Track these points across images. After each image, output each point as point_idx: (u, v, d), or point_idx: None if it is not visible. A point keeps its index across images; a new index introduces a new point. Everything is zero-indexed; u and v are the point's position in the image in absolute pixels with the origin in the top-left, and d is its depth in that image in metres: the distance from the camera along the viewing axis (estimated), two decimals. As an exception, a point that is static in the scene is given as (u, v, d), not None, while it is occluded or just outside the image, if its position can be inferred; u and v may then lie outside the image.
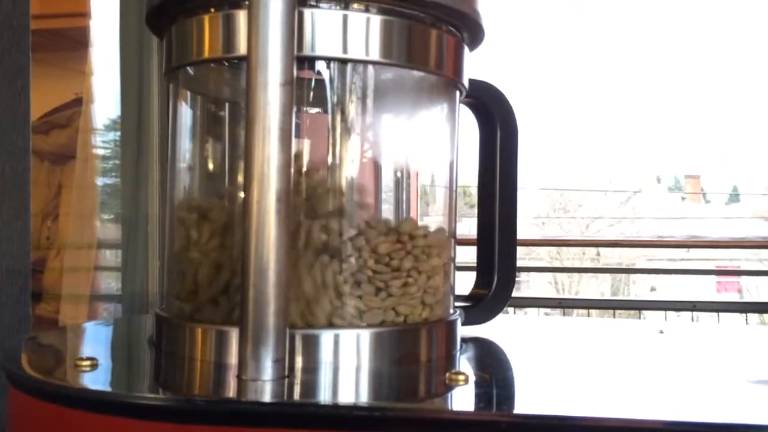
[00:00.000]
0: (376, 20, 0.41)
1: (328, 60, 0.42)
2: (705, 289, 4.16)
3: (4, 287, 0.67)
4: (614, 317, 3.37)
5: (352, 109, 0.43)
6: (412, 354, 0.43)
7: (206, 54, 0.42)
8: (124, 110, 1.21)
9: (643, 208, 9.23)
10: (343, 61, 0.41)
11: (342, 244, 0.41)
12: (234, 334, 0.39)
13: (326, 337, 0.40)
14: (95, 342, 0.53)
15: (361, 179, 0.43)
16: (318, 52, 0.40)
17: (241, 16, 0.40)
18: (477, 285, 0.57)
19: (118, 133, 1.27)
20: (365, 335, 0.41)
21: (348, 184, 0.43)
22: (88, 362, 0.39)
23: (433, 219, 0.48)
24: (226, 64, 0.45)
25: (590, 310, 3.39)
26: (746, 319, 3.19)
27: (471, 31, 0.47)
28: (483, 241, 0.57)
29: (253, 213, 0.35)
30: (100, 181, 1.40)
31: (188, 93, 0.47)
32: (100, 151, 1.40)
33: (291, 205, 0.36)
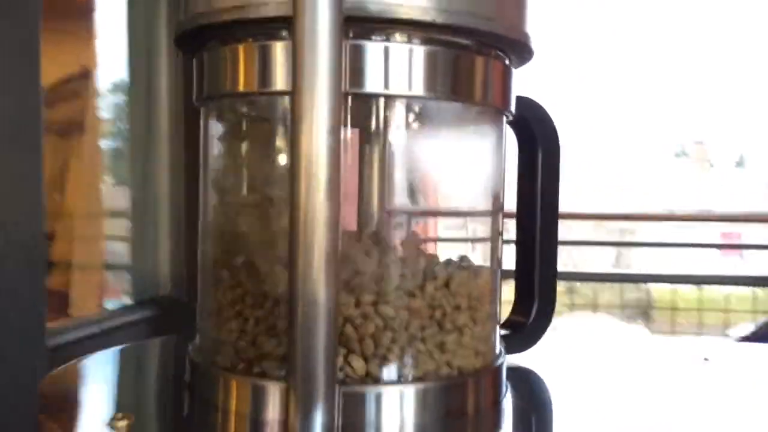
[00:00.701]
0: (419, 51, 0.38)
1: (369, 96, 0.39)
2: (708, 255, 4.13)
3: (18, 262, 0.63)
4: (620, 291, 3.37)
5: (394, 150, 0.40)
6: (460, 407, 0.40)
7: (241, 87, 0.39)
8: (133, 80, 1.18)
9: (649, 178, 9.18)
10: (384, 97, 0.39)
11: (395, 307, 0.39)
12: (272, 389, 0.37)
13: (371, 394, 0.38)
14: (124, 387, 0.50)
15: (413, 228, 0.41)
16: (358, 89, 0.37)
17: (278, 49, 0.37)
18: (515, 311, 0.54)
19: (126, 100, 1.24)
20: (412, 391, 0.38)
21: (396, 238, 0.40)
22: (124, 422, 0.36)
23: (481, 255, 0.46)
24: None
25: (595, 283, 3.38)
26: (753, 293, 3.18)
27: (519, 53, 0.44)
28: (522, 266, 0.54)
29: (299, 274, 0.33)
30: (107, 149, 1.36)
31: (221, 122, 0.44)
32: (108, 120, 1.36)
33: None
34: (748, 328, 2.55)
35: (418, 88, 0.38)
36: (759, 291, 3.13)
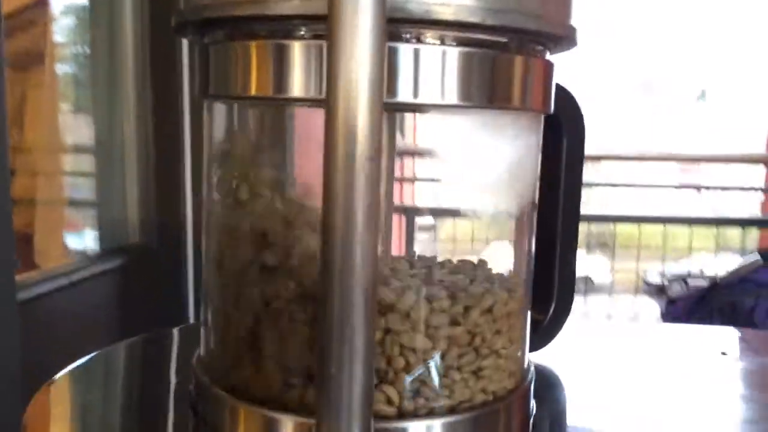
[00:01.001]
0: (453, 54, 0.33)
1: (397, 106, 0.34)
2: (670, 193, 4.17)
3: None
4: (588, 229, 3.40)
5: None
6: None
7: (253, 90, 0.34)
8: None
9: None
10: (413, 108, 0.34)
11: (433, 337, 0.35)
12: (287, 423, 0.34)
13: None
14: (127, 405, 0.46)
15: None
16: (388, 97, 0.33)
17: (296, 49, 0.32)
18: (532, 309, 0.52)
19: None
20: (446, 424, 0.36)
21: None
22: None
23: (517, 268, 0.42)
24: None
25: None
26: (717, 234, 3.25)
27: (562, 46, 0.39)
28: (541, 260, 0.51)
29: (334, 308, 0.29)
30: (66, 78, 1.28)
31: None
32: (67, 51, 1.27)
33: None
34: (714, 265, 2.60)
35: (452, 96, 0.33)
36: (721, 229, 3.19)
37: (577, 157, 0.49)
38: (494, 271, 0.39)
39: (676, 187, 3.72)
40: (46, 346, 0.97)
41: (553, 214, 0.50)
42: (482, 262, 0.40)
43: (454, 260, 0.39)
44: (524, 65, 0.36)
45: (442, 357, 0.35)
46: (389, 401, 0.34)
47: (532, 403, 0.41)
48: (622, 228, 3.24)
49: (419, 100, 0.33)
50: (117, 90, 1.27)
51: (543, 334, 0.50)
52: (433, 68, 0.33)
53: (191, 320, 1.29)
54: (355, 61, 0.27)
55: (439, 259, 0.39)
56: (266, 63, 0.33)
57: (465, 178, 0.39)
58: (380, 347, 0.34)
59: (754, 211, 3.58)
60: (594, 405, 0.44)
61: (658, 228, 3.25)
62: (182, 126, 1.31)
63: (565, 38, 0.37)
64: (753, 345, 0.57)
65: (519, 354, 0.40)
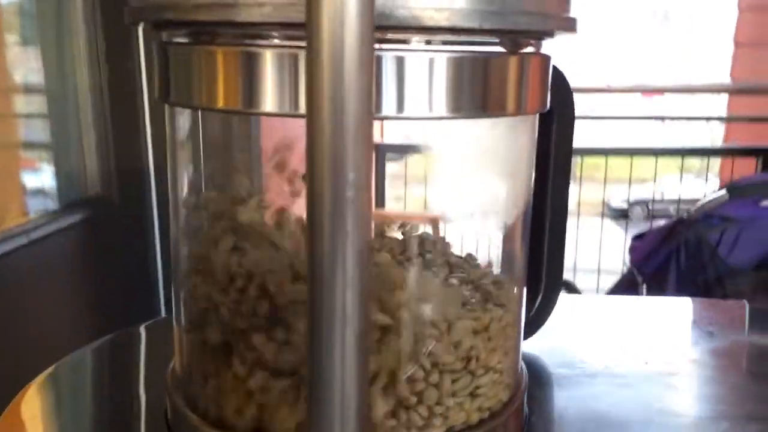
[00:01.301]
0: (441, 60, 0.30)
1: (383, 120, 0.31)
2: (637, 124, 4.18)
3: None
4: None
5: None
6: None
7: (220, 103, 0.30)
8: None
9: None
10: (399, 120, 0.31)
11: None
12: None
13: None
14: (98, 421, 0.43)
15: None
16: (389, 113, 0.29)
17: (268, 58, 0.28)
18: (519, 297, 0.50)
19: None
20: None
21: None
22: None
23: (509, 270, 0.40)
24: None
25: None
26: (682, 162, 3.28)
27: (559, 36, 0.36)
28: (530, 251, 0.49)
29: (322, 357, 0.26)
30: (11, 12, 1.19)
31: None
32: None
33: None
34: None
35: (440, 108, 0.30)
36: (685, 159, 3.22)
37: (567, 145, 0.46)
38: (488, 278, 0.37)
39: (641, 118, 3.72)
40: (8, 310, 0.94)
41: (542, 204, 0.47)
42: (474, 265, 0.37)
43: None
44: (519, 66, 0.33)
45: (436, 386, 0.33)
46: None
47: (525, 410, 0.40)
48: (589, 160, 3.25)
49: (405, 114, 0.29)
50: (66, 24, 1.19)
51: (529, 325, 0.48)
52: (420, 78, 0.29)
53: (159, 278, 1.26)
54: (339, 76, 0.23)
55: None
56: (234, 73, 0.29)
57: (455, 184, 0.36)
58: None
59: (717, 141, 3.62)
60: (584, 395, 0.43)
61: (625, 159, 3.27)
62: (138, 70, 1.24)
63: (565, 30, 0.33)
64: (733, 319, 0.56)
65: (515, 363, 0.38)
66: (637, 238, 2.16)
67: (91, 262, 1.19)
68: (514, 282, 0.38)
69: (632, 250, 2.12)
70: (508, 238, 0.39)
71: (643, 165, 3.36)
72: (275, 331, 0.32)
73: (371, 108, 0.24)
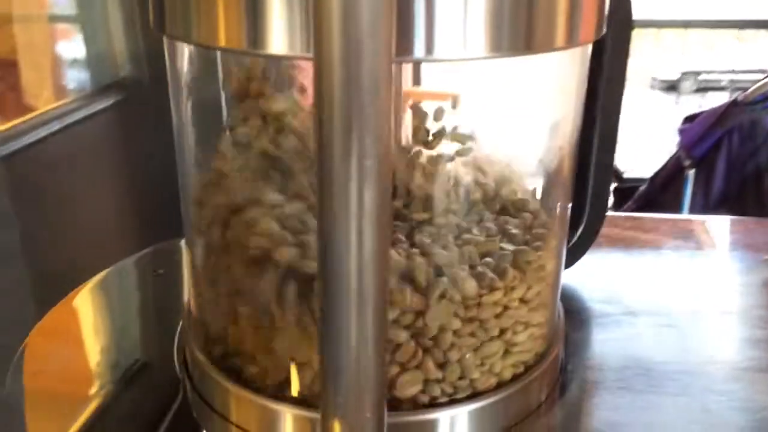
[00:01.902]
0: None
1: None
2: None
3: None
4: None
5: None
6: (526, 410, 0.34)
7: (222, 41, 0.26)
8: None
9: None
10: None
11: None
12: (286, 415, 0.30)
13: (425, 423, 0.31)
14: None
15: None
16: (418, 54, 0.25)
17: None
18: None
19: None
20: (473, 411, 0.32)
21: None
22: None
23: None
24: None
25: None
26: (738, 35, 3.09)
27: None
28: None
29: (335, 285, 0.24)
30: None
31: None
32: None
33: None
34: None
35: (478, 47, 0.26)
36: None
37: (623, 41, 0.41)
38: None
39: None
40: (43, 199, 0.95)
41: (589, 130, 0.43)
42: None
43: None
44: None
45: (472, 334, 0.31)
46: (405, 388, 0.30)
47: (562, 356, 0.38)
48: (640, 31, 3.08)
49: (435, 56, 0.25)
50: None
51: (569, 254, 0.45)
52: (452, 11, 0.25)
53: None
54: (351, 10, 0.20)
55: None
56: (237, 5, 0.25)
57: (496, 128, 0.32)
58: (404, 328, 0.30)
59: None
60: (624, 336, 0.40)
61: (677, 31, 3.09)
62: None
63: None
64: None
65: (552, 309, 0.36)
66: (687, 119, 2.06)
67: (125, 146, 1.18)
68: (556, 225, 0.35)
69: (681, 132, 2.03)
70: (551, 179, 0.35)
71: (697, 37, 3.18)
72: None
73: (390, 50, 0.21)
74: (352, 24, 0.20)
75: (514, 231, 0.33)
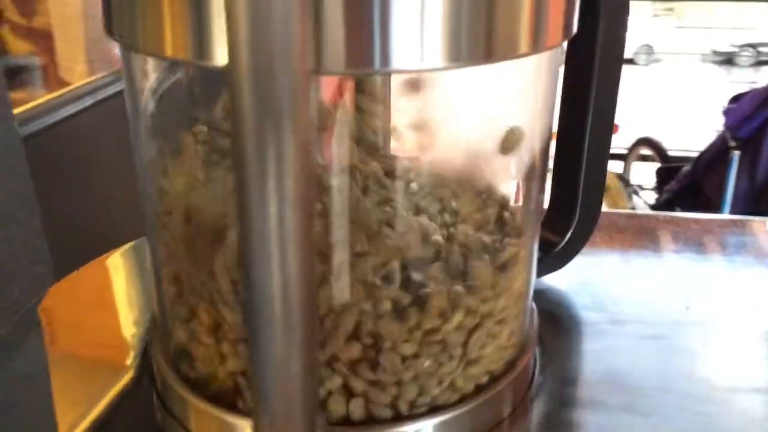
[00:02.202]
0: None
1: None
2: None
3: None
4: None
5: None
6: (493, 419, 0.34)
7: (168, 51, 0.25)
8: None
9: None
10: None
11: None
12: (245, 430, 0.30)
13: None
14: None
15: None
16: (336, 67, 0.24)
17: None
18: (549, 226, 0.45)
19: None
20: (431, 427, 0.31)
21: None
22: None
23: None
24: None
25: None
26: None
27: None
28: (564, 170, 0.44)
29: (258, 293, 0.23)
30: None
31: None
32: None
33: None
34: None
35: (434, 58, 0.24)
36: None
37: (616, 49, 0.39)
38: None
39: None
40: (70, 178, 0.96)
41: (581, 119, 0.41)
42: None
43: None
44: (536, -9, 0.26)
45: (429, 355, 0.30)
46: (349, 409, 0.30)
47: (533, 367, 0.37)
48: (694, 3, 2.97)
49: (392, 68, 0.24)
50: None
51: (558, 258, 0.44)
52: (408, 19, 0.23)
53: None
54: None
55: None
56: (182, 15, 0.24)
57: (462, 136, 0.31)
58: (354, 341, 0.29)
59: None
60: (605, 347, 0.39)
61: (735, 4, 2.97)
62: None
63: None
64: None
65: (523, 315, 0.35)
66: (734, 99, 1.99)
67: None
68: (527, 233, 0.34)
69: (727, 112, 1.97)
70: (520, 185, 0.34)
71: (755, 9, 3.05)
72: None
73: (305, 64, 0.20)
74: (262, 38, 0.19)
75: (484, 239, 0.32)
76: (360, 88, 0.30)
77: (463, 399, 0.32)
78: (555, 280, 0.45)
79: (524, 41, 0.27)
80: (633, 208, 2.71)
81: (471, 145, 0.32)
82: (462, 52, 0.25)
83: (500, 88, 0.31)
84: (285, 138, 0.20)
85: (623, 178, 2.89)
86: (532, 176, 0.34)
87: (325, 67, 0.23)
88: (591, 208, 0.44)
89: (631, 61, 7.44)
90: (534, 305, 0.38)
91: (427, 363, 0.30)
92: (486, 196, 0.33)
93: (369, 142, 0.30)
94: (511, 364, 0.34)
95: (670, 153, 2.80)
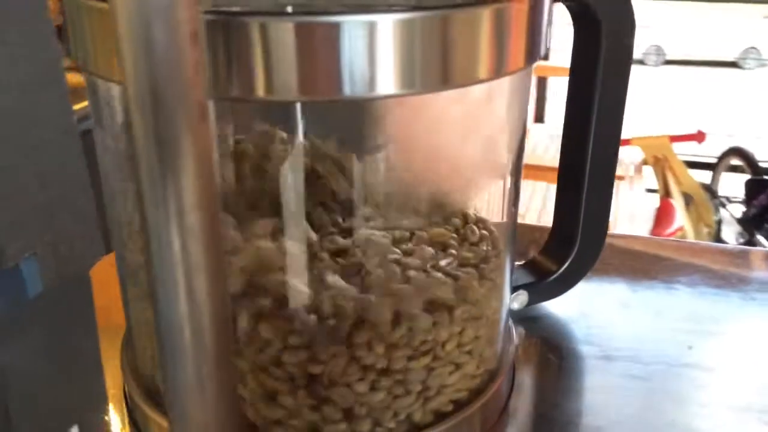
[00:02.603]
0: (386, 25, 0.23)
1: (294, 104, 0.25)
2: None
3: None
4: None
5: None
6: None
7: (116, 74, 0.25)
8: None
9: None
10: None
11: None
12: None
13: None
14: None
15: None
16: (278, 95, 0.23)
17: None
18: (548, 251, 0.43)
19: None
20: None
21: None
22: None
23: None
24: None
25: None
26: None
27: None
28: (565, 191, 0.42)
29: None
30: None
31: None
32: None
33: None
34: None
35: (387, 85, 0.24)
36: None
37: (622, 51, 0.37)
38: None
39: None
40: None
41: (583, 135, 0.39)
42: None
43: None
44: (494, 17, 0.25)
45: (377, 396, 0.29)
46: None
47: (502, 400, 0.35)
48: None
49: (343, 95, 0.23)
50: None
51: (554, 286, 0.42)
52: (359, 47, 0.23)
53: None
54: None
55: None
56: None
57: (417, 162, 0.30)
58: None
59: None
60: (585, 387, 0.37)
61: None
62: None
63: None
64: None
65: (494, 339, 0.33)
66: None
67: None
68: (501, 256, 0.32)
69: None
70: (489, 202, 0.33)
71: None
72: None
73: (202, 91, 0.19)
74: (149, 63, 0.19)
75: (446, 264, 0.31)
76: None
77: (424, 426, 0.31)
78: (554, 306, 0.43)
79: (483, 67, 0.26)
80: (719, 221, 2.59)
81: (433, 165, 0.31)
82: (416, 78, 0.24)
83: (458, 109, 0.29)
84: (181, 167, 0.20)
85: (710, 189, 2.76)
86: (501, 196, 0.33)
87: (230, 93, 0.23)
88: (593, 238, 0.42)
89: (734, 65, 7.08)
90: (513, 329, 0.36)
91: (380, 396, 0.30)
92: (447, 217, 0.32)
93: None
94: (478, 392, 0.33)
95: (763, 164, 2.65)
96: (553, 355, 0.40)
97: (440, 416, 0.32)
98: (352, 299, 0.28)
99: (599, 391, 0.37)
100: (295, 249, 0.29)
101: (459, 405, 0.32)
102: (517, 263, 0.44)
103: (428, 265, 0.30)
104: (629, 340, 0.40)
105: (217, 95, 0.23)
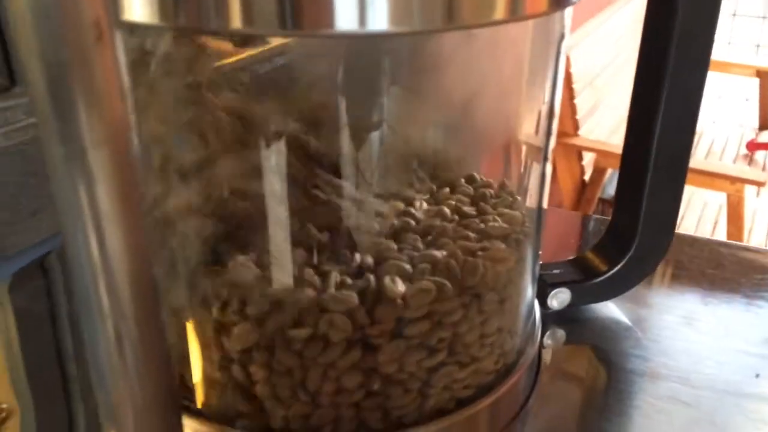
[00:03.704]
0: None
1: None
2: None
3: None
4: None
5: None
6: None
7: (125, 13, 0.23)
8: None
9: None
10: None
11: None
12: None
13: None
14: None
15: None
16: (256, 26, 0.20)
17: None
18: (601, 248, 0.38)
19: None
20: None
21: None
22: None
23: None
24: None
25: None
26: None
27: None
28: (626, 182, 0.37)
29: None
30: None
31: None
32: None
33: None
34: None
35: (380, 20, 0.20)
36: None
37: (696, 49, 0.32)
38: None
39: None
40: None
41: (650, 119, 0.34)
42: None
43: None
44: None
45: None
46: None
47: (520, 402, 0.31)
48: None
49: (336, 29, 0.20)
50: None
51: (603, 287, 0.38)
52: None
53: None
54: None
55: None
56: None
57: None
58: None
59: None
60: (619, 409, 0.32)
61: None
62: None
63: None
64: None
65: (517, 320, 0.30)
66: None
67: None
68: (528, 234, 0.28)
69: None
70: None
71: None
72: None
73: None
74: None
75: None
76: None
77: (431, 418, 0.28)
78: (605, 310, 0.38)
79: (497, 4, 0.22)
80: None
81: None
82: (414, 14, 0.21)
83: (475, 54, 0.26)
84: (74, 99, 0.17)
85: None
86: (524, 171, 0.29)
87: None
88: (655, 239, 0.36)
89: None
90: (539, 321, 0.32)
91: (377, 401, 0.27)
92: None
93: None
94: (489, 389, 0.29)
95: None
96: (591, 364, 0.35)
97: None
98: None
99: (635, 413, 0.32)
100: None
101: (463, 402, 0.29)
102: (564, 259, 0.39)
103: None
104: (684, 359, 0.35)
105: (168, 24, 0.20)
